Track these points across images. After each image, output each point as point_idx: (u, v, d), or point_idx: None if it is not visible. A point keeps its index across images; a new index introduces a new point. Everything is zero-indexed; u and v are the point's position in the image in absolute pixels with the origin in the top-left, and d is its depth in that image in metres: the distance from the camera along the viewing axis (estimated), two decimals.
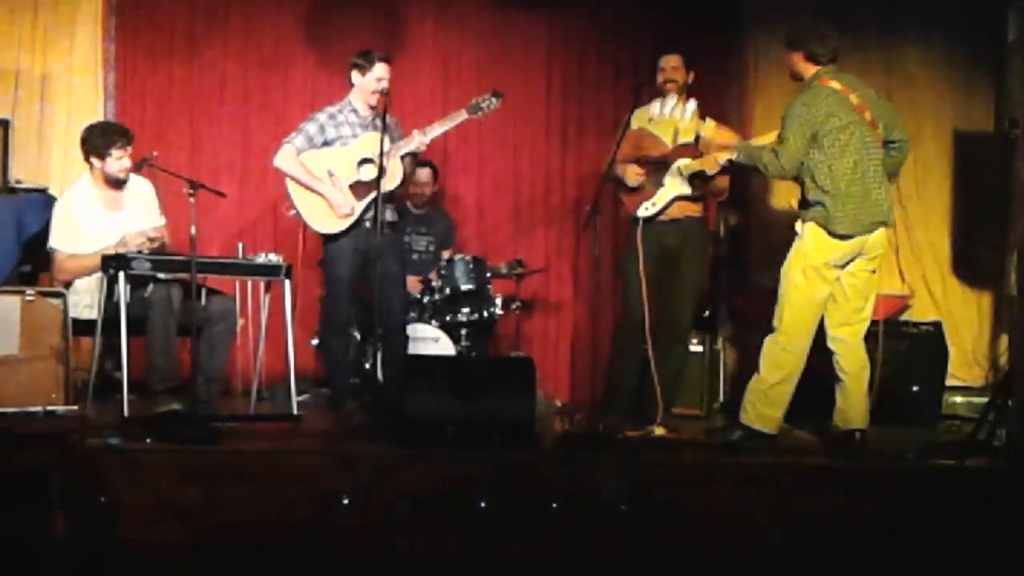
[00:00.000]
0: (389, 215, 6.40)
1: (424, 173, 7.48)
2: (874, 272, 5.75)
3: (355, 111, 6.45)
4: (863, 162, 5.59)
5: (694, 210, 6.42)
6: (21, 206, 6.39)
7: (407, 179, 6.55)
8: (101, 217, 6.12)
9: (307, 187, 6.33)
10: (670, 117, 6.42)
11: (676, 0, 8.06)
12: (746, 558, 4.60)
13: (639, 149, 6.39)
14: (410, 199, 7.46)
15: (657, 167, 6.35)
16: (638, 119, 6.47)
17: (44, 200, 6.52)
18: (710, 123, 6.42)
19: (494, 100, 6.32)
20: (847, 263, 5.66)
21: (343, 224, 6.35)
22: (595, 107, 8.06)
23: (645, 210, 6.32)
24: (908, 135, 5.84)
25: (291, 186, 6.39)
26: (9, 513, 4.26)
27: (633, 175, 6.35)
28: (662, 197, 6.32)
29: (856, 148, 5.59)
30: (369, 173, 6.26)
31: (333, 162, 6.36)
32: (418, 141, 6.30)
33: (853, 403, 5.69)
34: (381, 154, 5.96)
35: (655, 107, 6.50)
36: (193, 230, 5.59)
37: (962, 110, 7.93)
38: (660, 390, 6.15)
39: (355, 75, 6.42)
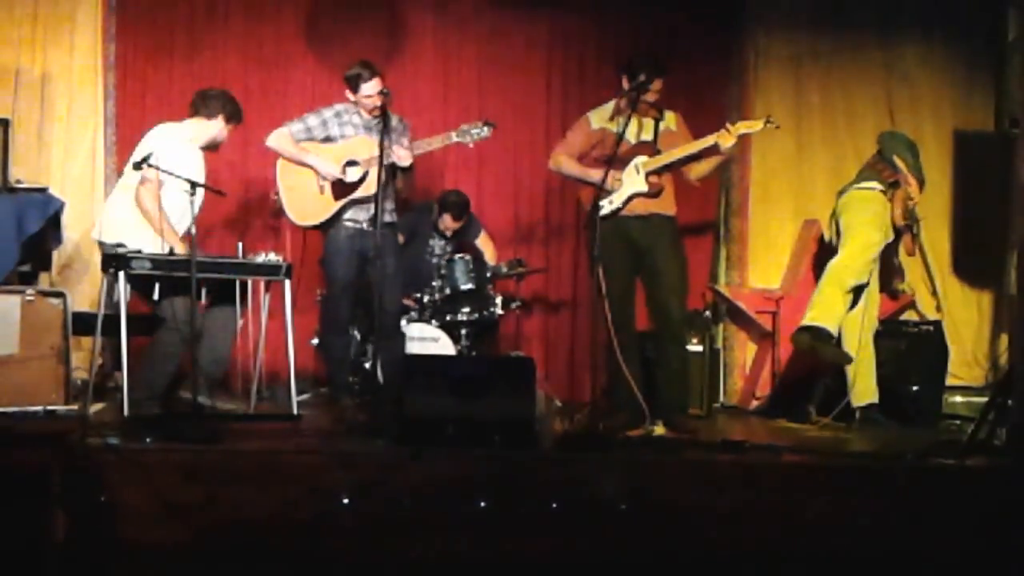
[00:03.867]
0: (387, 217, 6.47)
1: (447, 219, 7.53)
2: None
3: (359, 113, 6.55)
4: None
5: (662, 207, 6.32)
6: (21, 206, 6.36)
7: (397, 191, 6.62)
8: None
9: (295, 161, 6.49)
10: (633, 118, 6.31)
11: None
12: (745, 557, 4.60)
13: (602, 148, 6.32)
14: (443, 230, 7.59)
15: (616, 164, 6.25)
16: (598, 118, 6.45)
17: (44, 200, 6.51)
18: (670, 115, 6.41)
19: (485, 129, 6.41)
20: None
21: (317, 219, 6.51)
22: (595, 106, 8.03)
23: (603, 208, 6.15)
24: None
25: (279, 171, 6.54)
26: (9, 512, 4.27)
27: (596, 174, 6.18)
28: (619, 195, 6.25)
29: None
30: (353, 175, 6.40)
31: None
32: (398, 155, 6.37)
33: None
34: (381, 155, 6.02)
35: (609, 109, 6.44)
36: (193, 229, 5.60)
37: (962, 109, 7.93)
38: (636, 389, 6.10)
39: (348, 92, 6.57)
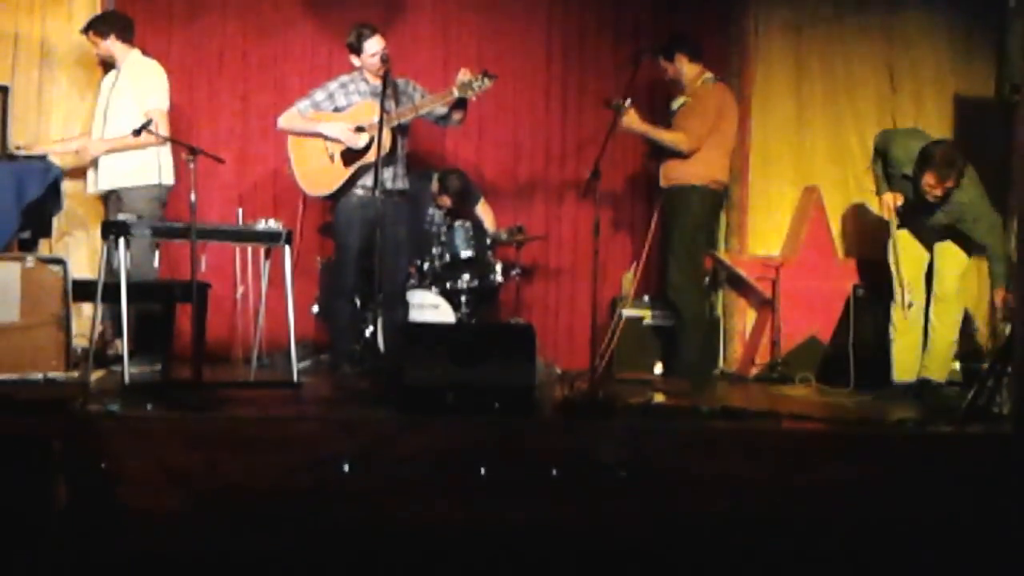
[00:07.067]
0: (400, 183, 6.49)
1: (444, 198, 7.52)
2: None
3: (365, 80, 6.58)
4: None
5: (677, 179, 6.78)
6: (21, 173, 6.35)
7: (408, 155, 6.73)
8: None
9: (308, 134, 6.51)
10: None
11: None
12: (745, 524, 4.61)
13: None
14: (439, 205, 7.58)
15: None
16: None
17: (44, 167, 6.49)
18: (701, 90, 6.80)
19: (486, 81, 6.38)
20: None
21: (329, 188, 6.54)
22: (595, 73, 8.04)
23: None
24: None
25: (290, 144, 6.58)
26: (10, 479, 4.28)
27: None
28: None
29: None
30: (362, 140, 6.37)
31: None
32: (404, 115, 6.44)
33: None
34: (381, 121, 6.02)
35: None
36: (193, 196, 5.58)
37: (963, 75, 7.91)
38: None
39: (353, 59, 6.58)
